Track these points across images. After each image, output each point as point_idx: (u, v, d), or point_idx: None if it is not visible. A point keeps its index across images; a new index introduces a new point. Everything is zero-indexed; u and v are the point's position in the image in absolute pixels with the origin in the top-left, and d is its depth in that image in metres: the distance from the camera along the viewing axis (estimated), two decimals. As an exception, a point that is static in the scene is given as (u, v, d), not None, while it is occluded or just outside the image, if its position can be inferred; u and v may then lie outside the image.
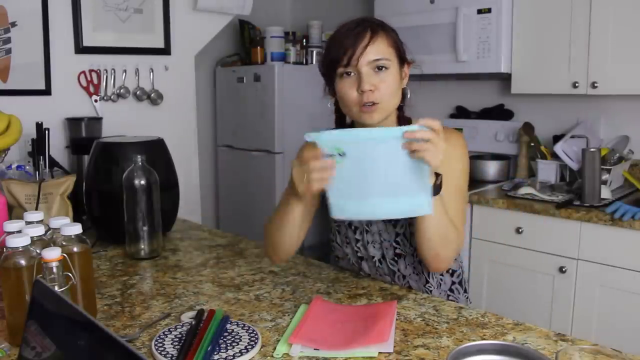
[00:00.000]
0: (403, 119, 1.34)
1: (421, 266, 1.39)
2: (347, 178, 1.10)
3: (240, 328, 1.11)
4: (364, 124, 1.26)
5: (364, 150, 1.08)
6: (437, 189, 1.13)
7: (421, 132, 1.05)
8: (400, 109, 1.33)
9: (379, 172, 1.09)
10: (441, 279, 1.42)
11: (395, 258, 1.39)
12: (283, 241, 1.31)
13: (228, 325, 1.13)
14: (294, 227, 1.27)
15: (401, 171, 1.08)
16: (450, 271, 1.44)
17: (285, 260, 1.42)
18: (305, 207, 1.26)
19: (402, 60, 1.27)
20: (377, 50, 1.21)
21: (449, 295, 1.43)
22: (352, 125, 1.38)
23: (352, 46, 1.20)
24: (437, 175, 1.14)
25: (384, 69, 1.21)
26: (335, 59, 1.23)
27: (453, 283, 1.44)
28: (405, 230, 1.36)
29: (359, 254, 1.44)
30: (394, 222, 1.35)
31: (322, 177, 1.09)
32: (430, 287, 1.40)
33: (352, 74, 1.22)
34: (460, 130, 3.03)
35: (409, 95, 1.33)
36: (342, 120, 1.36)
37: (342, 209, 1.14)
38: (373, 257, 1.41)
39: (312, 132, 1.09)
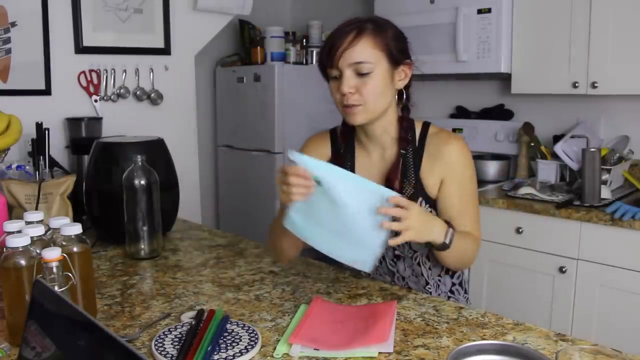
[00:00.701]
0: (405, 121, 1.33)
1: (420, 268, 1.39)
2: (313, 202, 1.12)
3: (240, 328, 1.11)
4: (350, 124, 1.28)
5: (338, 187, 1.09)
6: (449, 244, 1.19)
7: (399, 211, 1.09)
8: (403, 109, 1.33)
9: (341, 213, 1.11)
10: (440, 280, 1.42)
11: (395, 259, 1.39)
12: (286, 247, 1.33)
13: (228, 325, 1.13)
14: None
15: (363, 223, 1.11)
16: (450, 272, 1.43)
17: (289, 261, 1.45)
18: None
19: (396, 61, 1.25)
20: (360, 52, 1.20)
21: (449, 297, 1.43)
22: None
23: (335, 47, 1.21)
24: (447, 231, 1.19)
25: (366, 73, 1.20)
26: (321, 59, 1.25)
27: (453, 284, 1.44)
28: None
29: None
30: None
31: (299, 192, 1.10)
32: (429, 288, 1.40)
33: (337, 75, 1.23)
34: (460, 130, 3.04)
35: (405, 96, 1.31)
36: None
37: (294, 223, 1.16)
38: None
39: (297, 151, 1.12)
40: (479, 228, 1.33)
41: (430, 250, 1.31)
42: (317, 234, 1.15)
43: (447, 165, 1.30)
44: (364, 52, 1.20)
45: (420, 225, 1.13)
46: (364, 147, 1.37)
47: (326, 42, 1.25)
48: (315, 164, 1.10)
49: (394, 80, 1.26)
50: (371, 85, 1.21)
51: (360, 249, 1.13)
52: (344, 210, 1.10)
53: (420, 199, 1.31)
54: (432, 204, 1.32)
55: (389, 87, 1.25)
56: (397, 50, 1.25)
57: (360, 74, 1.21)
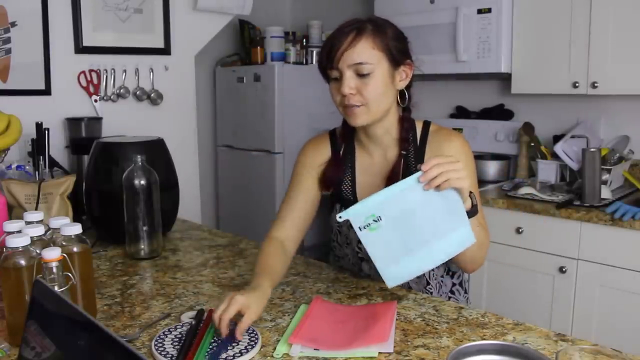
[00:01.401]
0: (406, 121, 1.32)
1: None
2: (389, 241, 1.11)
3: (240, 328, 1.11)
4: (351, 125, 1.27)
5: (396, 206, 1.09)
6: (474, 210, 1.14)
7: (433, 169, 1.05)
8: (404, 109, 1.32)
9: (418, 222, 1.10)
10: (442, 281, 1.42)
11: None
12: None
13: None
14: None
15: (436, 211, 1.09)
16: (451, 273, 1.43)
17: None
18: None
19: (396, 61, 1.24)
20: (360, 53, 1.19)
21: (449, 297, 1.43)
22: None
23: (335, 48, 1.20)
24: (471, 196, 1.13)
25: (367, 73, 1.20)
26: (321, 60, 1.24)
27: (454, 284, 1.44)
28: None
29: (359, 255, 1.44)
30: None
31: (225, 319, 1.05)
32: (430, 288, 1.40)
33: (338, 76, 1.22)
34: (460, 130, 3.04)
35: (406, 96, 1.30)
36: None
37: (397, 275, 1.14)
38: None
39: (346, 209, 1.10)
40: (486, 224, 1.30)
41: None
42: (418, 259, 1.13)
43: None
44: (364, 52, 1.20)
45: (465, 171, 1.08)
46: (364, 148, 1.37)
47: (326, 43, 1.25)
48: (367, 207, 1.09)
49: (395, 80, 1.26)
50: (372, 86, 1.21)
51: (454, 231, 1.11)
52: (417, 216, 1.09)
53: None
54: None
55: (389, 88, 1.25)
56: (397, 50, 1.24)
57: (361, 75, 1.20)
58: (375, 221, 1.09)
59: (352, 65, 1.20)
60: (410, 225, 1.10)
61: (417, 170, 1.08)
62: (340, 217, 1.10)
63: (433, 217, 1.10)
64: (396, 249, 1.12)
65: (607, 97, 2.57)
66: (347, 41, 1.20)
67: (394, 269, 1.14)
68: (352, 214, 1.10)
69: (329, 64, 1.22)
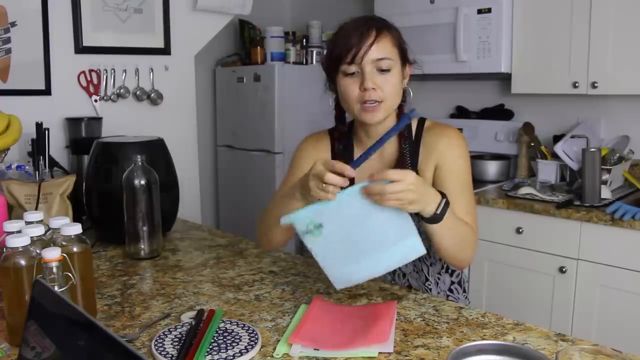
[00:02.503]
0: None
1: (421, 264, 1.39)
2: (333, 247, 1.11)
3: (240, 328, 1.11)
4: (364, 122, 1.27)
5: (341, 213, 1.08)
6: (441, 216, 1.13)
7: (376, 188, 1.05)
8: (399, 107, 1.34)
9: (362, 230, 1.10)
10: (439, 278, 1.42)
11: None
12: (280, 235, 1.32)
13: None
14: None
15: (382, 221, 1.09)
16: (450, 271, 1.44)
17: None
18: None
19: (405, 60, 1.28)
20: (382, 49, 1.22)
21: (448, 295, 1.44)
22: (353, 123, 1.38)
23: (357, 44, 1.21)
24: (442, 199, 1.13)
25: (387, 69, 1.22)
26: (340, 55, 1.23)
27: (452, 283, 1.44)
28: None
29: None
30: None
31: (334, 190, 1.08)
32: (429, 284, 1.41)
33: (356, 71, 1.23)
34: (460, 130, 3.03)
35: (411, 95, 1.34)
36: (342, 117, 1.36)
37: (344, 278, 1.15)
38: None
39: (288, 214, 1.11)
40: (475, 220, 1.30)
41: (430, 244, 1.32)
42: (361, 268, 1.13)
43: (440, 154, 1.31)
44: (386, 48, 1.23)
45: (421, 193, 1.08)
46: (363, 147, 1.38)
47: (341, 39, 1.24)
48: (307, 213, 1.09)
49: (403, 78, 1.29)
50: (391, 83, 1.23)
51: (402, 240, 1.11)
52: (359, 228, 1.09)
53: None
54: None
55: (401, 86, 1.28)
56: (405, 50, 1.29)
57: (381, 71, 1.22)
58: (317, 227, 1.10)
59: (375, 61, 1.22)
60: (354, 233, 1.10)
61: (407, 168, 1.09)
62: (282, 219, 1.11)
63: (379, 226, 1.10)
64: (341, 254, 1.12)
65: (607, 97, 2.57)
66: (371, 36, 1.21)
67: (340, 272, 1.14)
68: (293, 218, 1.10)
69: (349, 60, 1.22)
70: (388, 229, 1.10)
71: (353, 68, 1.23)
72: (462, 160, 1.31)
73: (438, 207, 1.12)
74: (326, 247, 1.12)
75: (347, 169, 1.07)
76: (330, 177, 1.07)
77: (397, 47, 1.25)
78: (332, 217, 1.09)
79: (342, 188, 1.08)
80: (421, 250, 1.11)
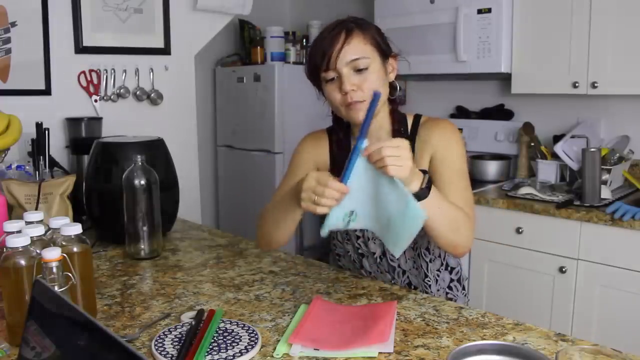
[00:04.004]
0: (396, 114, 1.35)
1: (420, 260, 1.40)
2: (374, 217, 1.12)
3: (240, 328, 1.11)
4: (355, 122, 1.28)
5: (358, 191, 1.08)
6: (425, 192, 1.11)
7: (374, 153, 1.05)
8: (392, 102, 1.34)
9: (380, 198, 1.10)
10: (438, 275, 1.43)
11: None
12: (280, 236, 1.32)
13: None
14: (292, 224, 1.27)
15: (387, 190, 1.08)
16: (449, 268, 1.44)
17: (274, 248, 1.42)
18: None
19: (385, 54, 1.28)
20: (354, 50, 1.22)
21: (447, 293, 1.44)
22: (349, 125, 1.39)
23: (329, 49, 1.22)
24: (424, 176, 1.12)
25: (364, 68, 1.22)
26: (315, 64, 1.25)
27: (451, 280, 1.45)
28: None
29: (359, 251, 1.44)
30: None
31: (331, 204, 1.08)
32: (429, 281, 1.41)
33: (334, 77, 1.24)
34: (460, 130, 3.03)
35: (398, 88, 1.34)
36: (339, 119, 1.37)
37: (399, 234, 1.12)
38: (374, 253, 1.42)
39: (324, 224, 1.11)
40: (471, 207, 1.28)
41: (430, 240, 1.32)
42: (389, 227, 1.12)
43: (434, 144, 1.31)
44: (359, 48, 1.23)
45: (407, 161, 1.06)
46: None
47: (315, 48, 1.26)
48: (337, 212, 1.09)
49: (386, 72, 1.29)
50: (370, 80, 1.23)
51: (407, 212, 1.09)
52: (378, 197, 1.09)
53: None
54: None
55: (384, 81, 1.28)
56: (384, 44, 1.28)
57: (359, 70, 1.23)
58: (352, 214, 1.11)
59: (349, 63, 1.22)
60: (377, 202, 1.10)
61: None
62: (322, 233, 1.11)
63: (388, 194, 1.09)
64: (383, 220, 1.11)
65: (607, 97, 2.57)
66: (340, 40, 1.22)
67: (392, 232, 1.11)
68: (331, 225, 1.11)
69: (324, 66, 1.23)
70: (392, 202, 1.09)
71: (331, 74, 1.24)
72: (455, 148, 1.31)
73: (422, 182, 1.11)
74: (369, 221, 1.12)
75: (343, 188, 1.06)
76: (330, 192, 1.06)
77: (372, 44, 1.25)
78: (356, 198, 1.09)
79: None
80: (425, 217, 1.08)
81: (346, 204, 1.10)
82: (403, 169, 1.04)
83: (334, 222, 1.11)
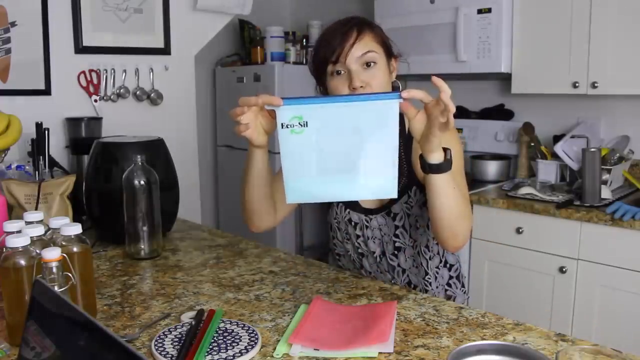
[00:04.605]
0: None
1: (420, 258, 1.40)
2: (307, 152, 1.03)
3: (240, 328, 1.11)
4: None
5: (330, 121, 1.01)
6: (448, 165, 1.10)
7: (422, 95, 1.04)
8: None
9: (345, 146, 1.03)
10: (437, 272, 1.43)
11: (395, 252, 1.40)
12: (254, 197, 1.28)
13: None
14: (260, 177, 1.24)
15: (369, 146, 1.03)
16: (448, 265, 1.45)
17: (263, 228, 1.37)
18: (266, 153, 1.21)
19: (390, 54, 1.31)
20: (365, 46, 1.24)
21: (446, 290, 1.44)
22: None
23: (340, 44, 1.23)
24: (445, 150, 1.11)
25: (372, 64, 1.24)
26: (325, 58, 1.25)
27: (450, 277, 1.45)
28: (404, 223, 1.37)
29: (359, 250, 1.45)
30: (393, 216, 1.36)
31: (250, 113, 1.07)
32: (429, 278, 1.42)
33: (342, 72, 1.25)
34: (460, 130, 3.04)
35: (400, 88, 1.33)
36: None
37: (303, 190, 1.07)
38: (374, 252, 1.42)
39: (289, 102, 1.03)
40: (469, 204, 1.27)
41: (428, 238, 1.33)
42: (326, 185, 1.05)
43: None
44: (369, 44, 1.25)
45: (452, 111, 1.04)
46: None
47: (324, 41, 1.26)
48: (298, 105, 1.02)
49: (390, 72, 1.31)
50: (378, 77, 1.25)
51: (379, 176, 1.04)
52: (343, 143, 1.02)
53: (414, 187, 1.34)
54: (424, 190, 1.31)
55: (389, 80, 1.30)
56: (389, 44, 1.31)
57: (367, 66, 1.24)
58: (301, 125, 1.02)
59: (359, 58, 1.23)
60: (336, 146, 1.03)
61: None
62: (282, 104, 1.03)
63: (363, 150, 1.03)
64: (312, 164, 1.04)
65: (607, 97, 2.57)
66: (353, 35, 1.24)
67: (301, 184, 1.06)
68: (283, 106, 1.02)
69: (334, 59, 1.24)
70: (371, 157, 1.03)
71: (339, 68, 1.25)
72: (455, 145, 1.31)
73: (445, 153, 1.10)
74: (300, 150, 1.03)
75: (275, 100, 1.03)
76: (245, 100, 1.05)
77: (379, 43, 1.27)
78: (321, 122, 1.02)
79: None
80: (394, 194, 1.05)
81: (308, 113, 1.01)
82: (447, 124, 1.03)
83: (285, 107, 1.02)
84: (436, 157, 1.09)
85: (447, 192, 1.13)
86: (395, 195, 1.06)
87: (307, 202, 1.11)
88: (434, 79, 1.02)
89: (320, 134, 1.03)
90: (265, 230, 1.39)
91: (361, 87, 1.23)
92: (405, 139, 1.34)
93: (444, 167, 1.10)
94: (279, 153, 1.05)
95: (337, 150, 1.04)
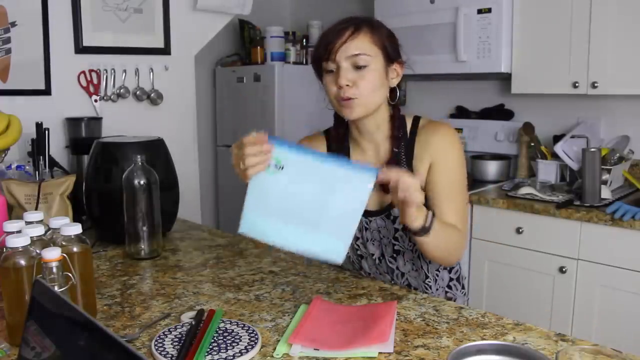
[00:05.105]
0: (397, 118, 1.34)
1: (420, 261, 1.40)
2: (274, 193, 1.07)
3: (240, 328, 1.11)
4: (346, 118, 1.29)
5: (305, 172, 1.05)
6: (429, 229, 1.14)
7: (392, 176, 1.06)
8: (393, 107, 1.34)
9: (310, 202, 1.06)
10: (437, 274, 1.43)
11: (394, 255, 1.40)
12: None
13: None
14: None
15: (332, 207, 1.06)
16: (448, 267, 1.44)
17: None
18: None
19: (390, 58, 1.27)
20: (358, 45, 1.22)
21: (446, 292, 1.44)
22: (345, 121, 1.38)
23: (333, 41, 1.23)
24: (427, 214, 1.14)
25: (364, 65, 1.22)
26: (318, 54, 1.26)
27: (451, 279, 1.45)
28: (403, 226, 1.36)
29: (358, 252, 1.44)
30: (392, 219, 1.36)
31: (257, 161, 1.07)
32: (429, 282, 1.41)
33: (334, 68, 1.24)
34: (460, 130, 3.04)
35: (398, 94, 1.33)
36: (339, 116, 1.37)
37: (253, 224, 1.09)
38: (372, 254, 1.42)
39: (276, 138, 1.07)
40: (464, 221, 1.30)
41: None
42: (281, 229, 1.08)
43: (434, 151, 1.30)
44: (362, 45, 1.23)
45: (418, 194, 1.08)
46: (358, 145, 1.38)
47: (322, 37, 1.27)
48: (282, 150, 1.05)
49: (388, 77, 1.29)
50: (368, 79, 1.23)
51: (333, 238, 1.07)
52: (310, 198, 1.05)
53: None
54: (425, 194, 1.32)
55: (383, 83, 1.27)
56: (392, 48, 1.28)
57: (358, 67, 1.22)
58: (276, 167, 1.05)
59: (349, 57, 1.22)
60: (303, 197, 1.06)
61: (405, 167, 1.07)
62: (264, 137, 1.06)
63: (328, 209, 1.05)
64: (273, 205, 1.07)
65: (607, 97, 2.57)
66: (346, 34, 1.23)
67: (257, 221, 1.09)
68: (273, 142, 1.05)
69: (325, 56, 1.24)
70: (331, 218, 1.06)
71: (331, 65, 1.24)
72: (455, 158, 1.31)
73: (426, 219, 1.14)
74: (268, 189, 1.07)
75: (259, 137, 1.05)
76: (249, 150, 1.05)
77: (378, 46, 1.24)
78: (296, 171, 1.05)
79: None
80: (339, 260, 1.07)
81: (288, 159, 1.04)
82: (414, 204, 1.08)
83: (275, 147, 1.06)
84: (416, 225, 1.13)
85: (434, 244, 1.19)
86: (340, 262, 1.09)
87: (255, 238, 1.12)
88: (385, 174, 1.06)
89: (292, 182, 1.06)
90: None
91: (347, 85, 1.22)
92: (407, 145, 1.33)
93: (427, 229, 1.15)
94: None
95: (303, 200, 1.07)
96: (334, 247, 1.07)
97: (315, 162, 1.06)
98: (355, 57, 1.22)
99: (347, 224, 1.06)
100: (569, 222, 2.21)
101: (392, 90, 1.31)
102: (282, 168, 1.05)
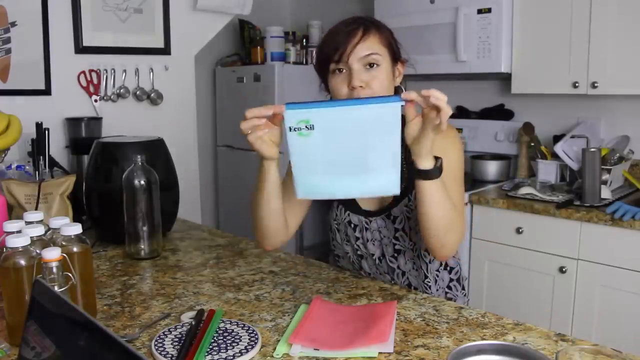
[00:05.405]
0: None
1: (420, 261, 1.40)
2: (315, 153, 1.07)
3: (240, 328, 1.11)
4: None
5: (335, 123, 1.05)
6: (437, 171, 1.12)
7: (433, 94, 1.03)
8: None
9: (350, 147, 1.07)
10: (437, 275, 1.43)
11: (395, 254, 1.40)
12: (269, 213, 1.26)
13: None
14: (274, 190, 1.23)
15: (373, 144, 1.06)
16: (448, 268, 1.44)
17: (278, 244, 1.36)
18: (277, 165, 1.21)
19: (395, 58, 1.29)
20: (369, 46, 1.23)
21: (447, 293, 1.44)
22: None
23: (344, 43, 1.22)
24: (437, 157, 1.13)
25: (375, 65, 1.23)
26: (328, 55, 1.25)
27: (451, 280, 1.45)
28: (404, 226, 1.36)
29: (358, 252, 1.44)
30: (392, 218, 1.36)
31: (250, 126, 1.11)
32: (429, 282, 1.41)
33: (344, 70, 1.24)
34: (460, 130, 3.04)
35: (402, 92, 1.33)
36: None
37: (312, 188, 1.11)
38: (373, 254, 1.42)
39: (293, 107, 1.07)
40: (463, 216, 1.28)
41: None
42: (334, 182, 1.10)
43: (434, 150, 1.30)
44: (373, 45, 1.23)
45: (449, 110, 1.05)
46: None
47: (329, 39, 1.26)
48: (305, 110, 1.06)
49: (394, 76, 1.29)
50: (380, 79, 1.23)
51: (384, 172, 1.08)
52: (348, 144, 1.06)
53: (414, 191, 1.32)
54: None
55: (391, 82, 1.28)
56: (396, 47, 1.29)
57: (370, 67, 1.23)
58: (308, 128, 1.06)
59: (362, 58, 1.22)
60: (342, 147, 1.07)
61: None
62: (284, 107, 1.08)
63: (367, 151, 1.07)
64: (319, 163, 1.09)
65: (607, 97, 2.57)
66: (357, 35, 1.23)
67: (310, 182, 1.11)
68: (289, 111, 1.07)
69: (337, 58, 1.23)
70: (375, 155, 1.07)
71: (341, 66, 1.24)
72: (453, 155, 1.31)
73: (436, 160, 1.12)
74: (308, 151, 1.07)
75: (277, 107, 1.07)
76: (252, 111, 1.09)
77: (385, 45, 1.25)
78: (326, 125, 1.06)
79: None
80: (397, 190, 1.08)
81: (314, 116, 1.05)
82: (441, 126, 1.05)
83: (291, 112, 1.07)
84: (426, 163, 1.11)
85: (435, 200, 1.15)
86: (397, 192, 1.09)
87: (316, 198, 1.16)
88: (427, 92, 1.04)
89: (326, 136, 1.06)
90: (280, 246, 1.39)
91: (360, 86, 1.22)
92: (406, 144, 1.33)
93: (433, 173, 1.11)
94: (280, 153, 1.07)
95: (342, 150, 1.08)
96: (388, 180, 1.08)
97: (340, 110, 1.06)
98: (368, 57, 1.22)
99: (391, 154, 1.07)
100: (569, 222, 2.21)
101: (395, 90, 1.32)
102: (313, 127, 1.06)
